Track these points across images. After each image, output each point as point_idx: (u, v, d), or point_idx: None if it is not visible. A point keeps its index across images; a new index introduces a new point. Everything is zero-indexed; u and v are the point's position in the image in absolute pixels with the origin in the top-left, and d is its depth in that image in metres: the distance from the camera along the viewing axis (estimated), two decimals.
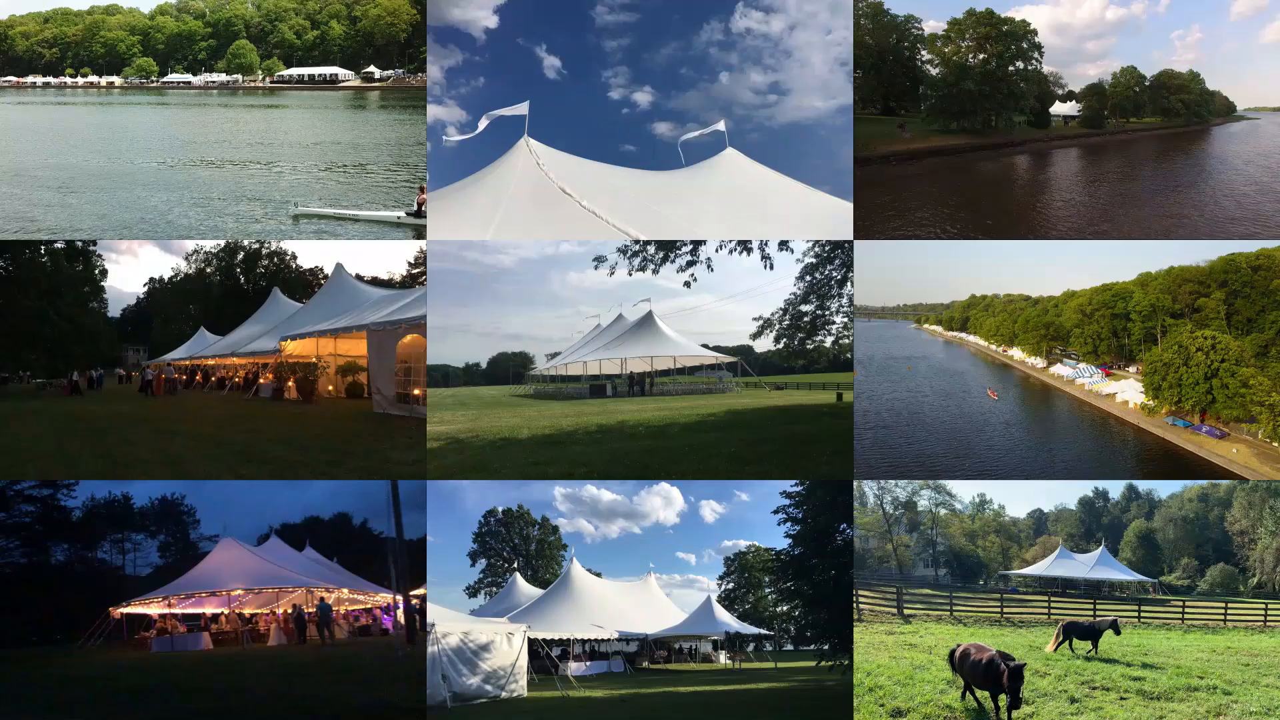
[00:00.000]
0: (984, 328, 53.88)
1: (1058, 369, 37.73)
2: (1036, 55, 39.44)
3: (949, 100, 37.79)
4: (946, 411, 32.00)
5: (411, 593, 23.67)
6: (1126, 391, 30.22)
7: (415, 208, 25.73)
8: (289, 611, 28.49)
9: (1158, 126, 43.76)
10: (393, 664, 20.47)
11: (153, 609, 28.86)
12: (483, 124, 23.09)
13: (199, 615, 29.44)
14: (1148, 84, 43.08)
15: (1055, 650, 19.84)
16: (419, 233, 25.89)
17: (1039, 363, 40.28)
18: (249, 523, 39.05)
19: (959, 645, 14.58)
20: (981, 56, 37.98)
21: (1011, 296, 53.45)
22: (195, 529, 42.39)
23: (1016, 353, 44.13)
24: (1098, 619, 21.13)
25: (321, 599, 28.19)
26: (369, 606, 30.97)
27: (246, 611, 29.43)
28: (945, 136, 37.73)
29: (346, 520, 46.25)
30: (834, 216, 22.69)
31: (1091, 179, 35.03)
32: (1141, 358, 31.99)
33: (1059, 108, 42.85)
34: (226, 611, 29.03)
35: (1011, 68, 38.74)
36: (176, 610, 28.91)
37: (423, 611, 26.62)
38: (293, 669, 21.06)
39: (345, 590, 30.19)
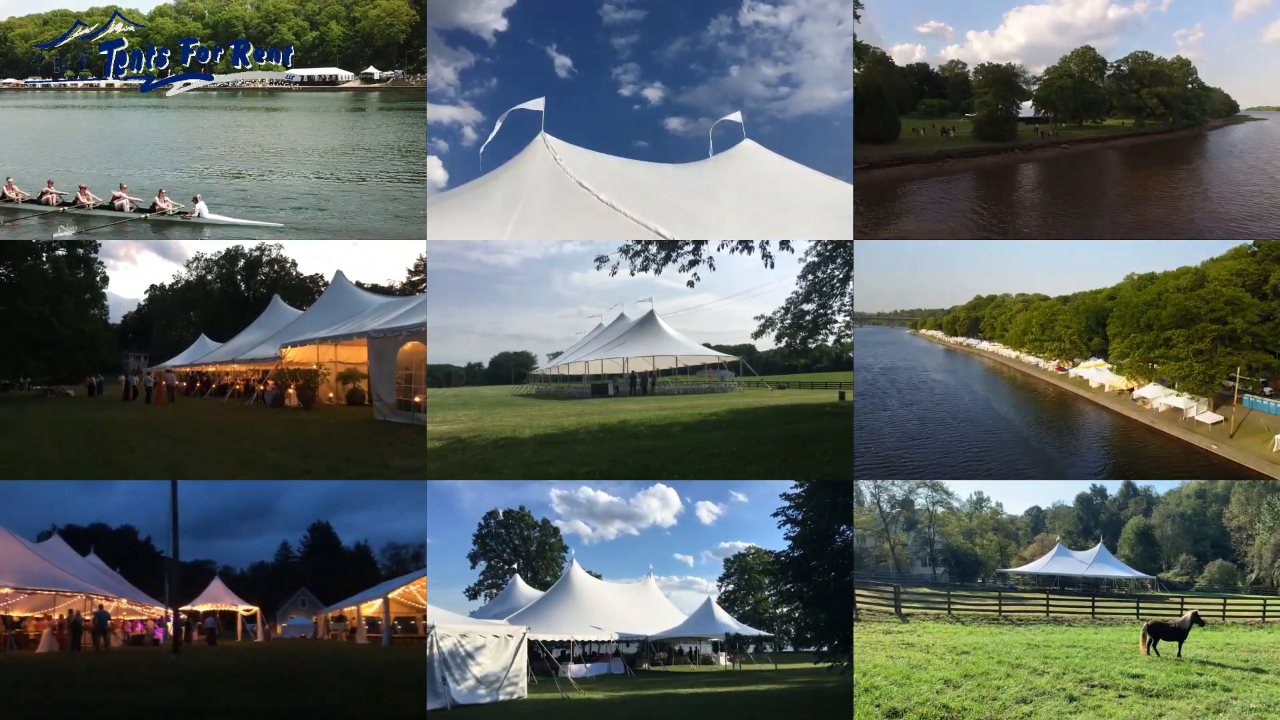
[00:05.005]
0: (1012, 329, 41.24)
1: None
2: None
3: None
4: None
5: (181, 608, 27.22)
6: None
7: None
8: (65, 617, 26.09)
9: (1124, 133, 33.18)
10: (161, 671, 20.21)
11: None
12: (499, 125, 23.21)
13: None
14: (1111, 74, 32.46)
15: (1148, 653, 19.11)
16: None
17: (1189, 406, 22.06)
18: (30, 517, 34.66)
19: None
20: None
21: (1027, 296, 43.81)
22: None
23: (1093, 374, 28.65)
24: (1180, 618, 19.95)
25: (100, 606, 27.01)
26: (144, 618, 30.69)
27: (15, 614, 26.38)
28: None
29: (132, 533, 45.27)
30: (849, 206, 22.36)
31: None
32: None
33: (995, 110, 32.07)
34: None
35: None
36: None
37: (189, 625, 31.11)
38: (63, 677, 19.23)
39: (124, 601, 29.59)
